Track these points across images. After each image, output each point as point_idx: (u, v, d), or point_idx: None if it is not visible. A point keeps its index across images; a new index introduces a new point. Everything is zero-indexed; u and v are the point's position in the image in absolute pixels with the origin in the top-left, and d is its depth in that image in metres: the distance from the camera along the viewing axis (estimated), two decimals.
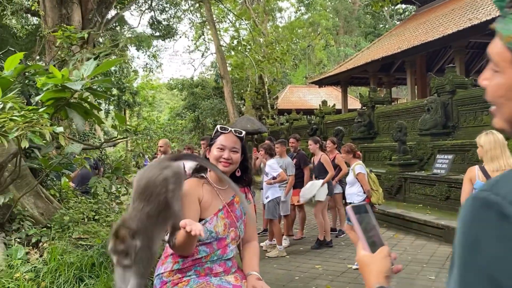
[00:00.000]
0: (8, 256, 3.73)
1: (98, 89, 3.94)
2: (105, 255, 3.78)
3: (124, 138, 4.08)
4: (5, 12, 15.98)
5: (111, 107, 29.51)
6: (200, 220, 2.16)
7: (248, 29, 28.38)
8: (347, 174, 6.72)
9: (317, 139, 7.64)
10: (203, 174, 2.33)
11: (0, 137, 2.91)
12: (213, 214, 2.23)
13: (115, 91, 27.81)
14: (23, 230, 4.27)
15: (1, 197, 4.12)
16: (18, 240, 4.10)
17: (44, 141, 4.18)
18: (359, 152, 6.51)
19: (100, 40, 18.59)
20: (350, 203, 6.24)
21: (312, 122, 17.88)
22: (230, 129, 2.34)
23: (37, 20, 19.05)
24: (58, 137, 3.35)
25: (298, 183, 7.55)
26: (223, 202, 2.30)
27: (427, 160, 10.45)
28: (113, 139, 4.47)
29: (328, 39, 36.05)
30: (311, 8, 37.50)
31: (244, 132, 2.38)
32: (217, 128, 2.37)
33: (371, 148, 13.15)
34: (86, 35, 4.99)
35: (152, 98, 36.57)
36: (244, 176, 2.42)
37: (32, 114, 3.33)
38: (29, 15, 19.46)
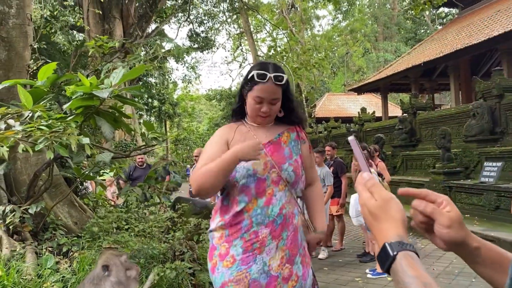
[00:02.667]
0: (38, 265, 3.73)
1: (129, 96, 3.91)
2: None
3: (153, 146, 4.01)
4: (52, 31, 16.68)
5: (152, 118, 30.12)
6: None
7: (285, 38, 28.31)
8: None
9: (364, 146, 7.10)
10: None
11: (26, 147, 2.89)
12: None
13: (156, 103, 28.41)
14: (55, 239, 4.28)
15: (33, 206, 4.15)
16: (50, 249, 4.10)
17: (71, 152, 4.19)
18: (370, 160, 6.28)
19: (141, 54, 19.04)
20: None
21: (351, 130, 17.46)
22: (268, 76, 1.93)
23: (82, 36, 19.76)
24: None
25: (336, 192, 7.30)
26: (260, 140, 2.00)
27: (473, 168, 9.89)
28: (142, 147, 4.43)
29: (367, 46, 35.42)
30: (349, 15, 37.03)
31: (285, 77, 2.00)
32: (253, 74, 1.97)
33: (413, 156, 12.64)
34: (117, 44, 5.04)
35: (191, 109, 37.11)
36: (290, 116, 2.12)
37: (59, 123, 3.32)
38: (74, 32, 20.24)
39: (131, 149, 5.05)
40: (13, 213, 4.08)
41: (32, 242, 4.13)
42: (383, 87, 21.48)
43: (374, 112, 18.65)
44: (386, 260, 0.72)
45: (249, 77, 2.00)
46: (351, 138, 0.97)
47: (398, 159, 13.07)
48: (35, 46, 11.12)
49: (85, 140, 3.18)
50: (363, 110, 18.15)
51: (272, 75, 1.94)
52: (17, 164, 4.81)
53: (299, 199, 2.18)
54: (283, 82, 1.98)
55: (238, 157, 1.83)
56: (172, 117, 29.11)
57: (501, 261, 0.81)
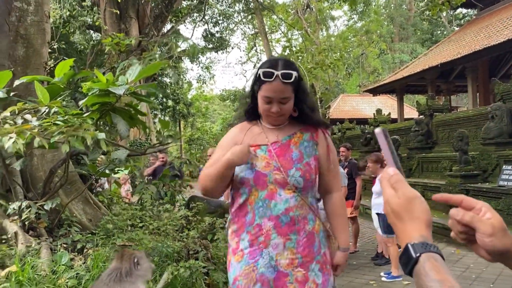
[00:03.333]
0: (53, 261, 3.73)
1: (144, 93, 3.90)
2: None
3: (168, 144, 3.99)
4: (71, 30, 16.89)
5: (167, 118, 30.25)
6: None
7: (300, 38, 28.22)
8: None
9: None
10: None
11: (42, 141, 2.89)
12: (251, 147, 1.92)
13: (170, 102, 28.55)
14: (70, 236, 4.29)
15: (49, 202, 4.17)
16: (64, 245, 4.11)
17: (87, 148, 4.19)
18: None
19: (157, 56, 19.14)
20: (377, 214, 5.98)
21: (366, 131, 17.30)
22: (275, 74, 1.83)
23: (98, 35, 19.96)
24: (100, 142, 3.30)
25: (350, 193, 7.21)
26: (268, 141, 1.93)
27: (491, 171, 9.70)
28: (157, 145, 4.42)
29: (383, 47, 35.09)
30: (365, 16, 36.74)
31: (294, 74, 1.87)
32: (258, 73, 1.89)
33: (429, 158, 12.46)
34: (133, 42, 5.04)
35: (205, 109, 37.21)
36: (305, 115, 1.99)
37: (75, 118, 3.31)
38: (92, 31, 20.46)
39: (146, 147, 5.05)
40: (29, 209, 4.10)
41: (47, 238, 4.15)
42: (399, 89, 21.24)
43: (389, 113, 18.46)
44: (408, 262, 0.68)
45: (257, 76, 1.93)
46: (378, 131, 0.89)
47: (413, 162, 12.90)
48: (55, 46, 11.26)
49: (101, 135, 3.17)
50: (379, 111, 17.98)
51: (279, 72, 1.84)
52: (34, 161, 4.84)
53: (320, 202, 2.11)
54: (292, 80, 1.86)
55: (230, 162, 1.83)
56: (186, 117, 29.21)
57: None
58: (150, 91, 4.06)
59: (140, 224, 4.54)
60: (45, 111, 3.43)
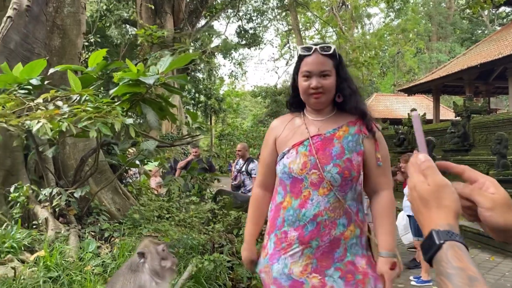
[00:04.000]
0: (80, 248, 3.78)
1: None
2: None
3: (196, 135, 3.97)
4: (107, 24, 17.25)
5: (199, 113, 30.55)
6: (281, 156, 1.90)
7: (334, 35, 27.88)
8: None
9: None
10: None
11: (70, 126, 2.91)
12: (291, 145, 1.82)
13: (202, 98, 28.79)
14: (98, 224, 4.34)
15: (78, 190, 4.23)
16: (92, 233, 4.16)
17: (118, 139, 4.23)
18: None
19: (191, 50, 19.30)
20: (408, 216, 5.85)
21: (400, 132, 16.91)
22: (314, 47, 1.78)
23: (134, 30, 20.29)
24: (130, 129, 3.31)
25: None
26: (309, 134, 1.81)
27: None
28: (185, 136, 4.40)
29: (420, 46, 34.21)
30: (402, 14, 35.89)
31: (333, 47, 1.80)
32: (298, 50, 1.85)
33: (465, 161, 12.04)
34: (166, 34, 5.05)
35: (236, 105, 37.33)
36: (348, 101, 1.83)
37: (105, 106, 3.33)
38: (127, 26, 20.82)
39: (174, 139, 5.06)
40: (60, 196, 4.17)
41: (76, 226, 4.21)
42: (435, 89, 20.65)
43: (424, 114, 17.99)
44: (430, 249, 0.65)
45: (297, 57, 1.87)
46: (415, 114, 0.87)
47: None
48: (91, 39, 11.50)
49: (129, 121, 3.17)
50: (413, 111, 17.51)
51: (317, 46, 1.80)
52: (66, 149, 4.93)
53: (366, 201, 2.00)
54: (331, 52, 1.79)
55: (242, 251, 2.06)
56: (217, 112, 29.42)
57: None
58: (181, 82, 4.05)
59: (167, 216, 4.55)
60: (76, 99, 3.47)
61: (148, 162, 5.39)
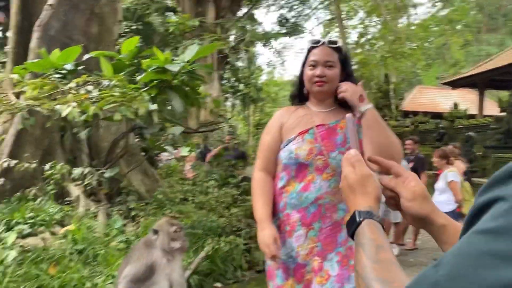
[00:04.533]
0: (107, 225, 4.02)
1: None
2: (191, 235, 3.85)
3: (219, 122, 4.10)
4: (148, 12, 17.63)
5: (237, 101, 30.76)
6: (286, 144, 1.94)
7: (378, 25, 27.21)
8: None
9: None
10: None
11: (96, 109, 3.10)
12: (297, 133, 1.91)
13: (241, 86, 28.93)
14: (126, 204, 4.58)
15: (109, 171, 4.47)
16: (120, 212, 4.40)
17: (150, 125, 4.42)
18: (452, 158, 5.75)
19: (232, 38, 19.43)
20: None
21: (440, 126, 16.44)
22: (322, 40, 1.93)
23: (176, 18, 20.64)
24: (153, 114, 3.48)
25: None
26: (314, 123, 1.92)
27: None
28: (209, 123, 4.55)
29: (468, 37, 32.81)
30: (449, 3, 34.48)
31: (340, 42, 1.95)
32: (307, 43, 1.98)
33: (507, 158, 11.58)
34: (197, 23, 5.17)
35: (275, 94, 37.26)
36: None
37: (132, 91, 3.51)
38: (169, 13, 21.18)
39: (199, 126, 5.23)
40: (91, 176, 4.43)
41: (105, 204, 4.47)
42: (481, 83, 19.83)
43: (467, 109, 17.36)
44: (352, 225, 0.77)
45: (306, 50, 1.98)
46: (349, 116, 1.01)
47: (489, 161, 12.07)
48: (133, 27, 11.82)
49: (153, 107, 3.33)
50: (455, 105, 16.97)
51: (325, 40, 1.93)
52: (99, 132, 5.20)
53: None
54: (337, 46, 1.93)
55: (258, 230, 1.89)
56: (256, 101, 29.50)
57: None
58: (207, 70, 4.17)
59: (191, 198, 4.74)
60: (106, 84, 3.67)
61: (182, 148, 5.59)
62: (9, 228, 3.63)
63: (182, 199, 4.76)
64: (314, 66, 1.90)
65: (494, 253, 0.42)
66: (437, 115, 22.91)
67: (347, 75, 1.95)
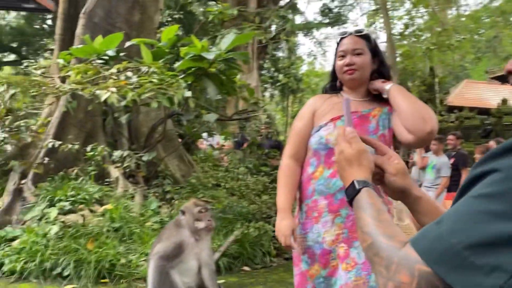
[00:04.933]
0: (143, 206, 4.19)
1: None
2: (221, 219, 3.96)
3: (252, 111, 4.17)
4: (191, 1, 17.83)
5: (276, 92, 30.73)
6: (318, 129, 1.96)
7: (425, 16, 26.34)
8: None
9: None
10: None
11: (134, 96, 3.23)
12: (329, 119, 1.93)
13: (281, 77, 28.82)
14: (162, 187, 4.75)
15: (146, 155, 4.64)
16: (156, 194, 4.57)
17: (187, 112, 4.55)
18: None
19: (273, 27, 19.39)
20: None
21: (486, 122, 15.81)
22: (349, 31, 1.97)
23: (217, 7, 20.77)
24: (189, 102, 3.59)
25: (453, 185, 6.67)
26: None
27: None
28: (243, 111, 4.62)
29: None
30: None
31: (367, 30, 1.97)
32: (336, 37, 2.03)
33: None
34: (236, 12, 5.24)
35: (315, 85, 36.91)
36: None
37: (170, 79, 3.63)
38: (212, 3, 21.35)
39: (233, 113, 5.31)
40: (130, 159, 4.61)
41: (142, 186, 4.65)
42: None
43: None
44: (352, 192, 0.86)
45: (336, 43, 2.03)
46: (346, 97, 1.16)
47: None
48: (176, 16, 12.02)
49: (187, 93, 3.43)
50: (504, 101, 16.26)
51: (353, 30, 1.96)
52: (140, 117, 5.38)
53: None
54: (364, 33, 1.94)
55: (277, 218, 1.92)
56: (295, 92, 29.33)
57: (436, 212, 0.93)
58: (242, 58, 4.24)
59: (223, 184, 4.85)
60: (145, 71, 3.80)
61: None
62: (51, 204, 3.87)
63: (215, 184, 4.88)
64: (343, 56, 1.93)
65: (489, 212, 0.54)
66: (484, 111, 22.03)
67: (379, 62, 1.98)
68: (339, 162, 0.95)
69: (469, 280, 0.53)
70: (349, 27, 2.04)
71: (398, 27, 30.24)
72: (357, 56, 1.91)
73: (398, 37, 26.54)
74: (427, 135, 1.75)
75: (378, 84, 1.88)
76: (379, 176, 0.99)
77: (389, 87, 1.84)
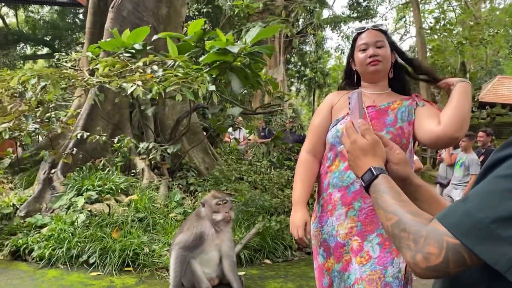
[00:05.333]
0: (168, 197, 4.26)
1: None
2: (243, 212, 3.99)
3: (276, 105, 4.16)
4: None
5: (302, 86, 30.57)
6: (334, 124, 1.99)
7: (457, 10, 25.64)
8: None
9: None
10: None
11: (160, 89, 3.28)
12: (346, 113, 1.92)
13: (307, 71, 28.60)
14: (186, 179, 4.82)
15: (171, 147, 4.71)
16: (180, 186, 4.64)
17: (212, 106, 4.58)
18: None
19: (301, 22, 19.26)
20: None
21: None
22: (367, 26, 2.00)
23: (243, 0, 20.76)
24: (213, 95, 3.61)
25: None
26: (365, 104, 1.92)
27: None
28: (267, 105, 4.62)
29: None
30: None
31: (384, 24, 2.00)
32: (353, 31, 2.06)
33: None
34: (261, 6, 5.23)
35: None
36: (401, 77, 2.01)
37: (194, 72, 3.66)
38: None
39: (257, 107, 5.32)
40: (156, 151, 4.69)
41: (167, 178, 4.72)
42: None
43: None
44: (369, 178, 0.93)
45: (352, 40, 2.04)
46: (359, 91, 1.13)
47: None
48: (203, 10, 12.08)
49: (211, 87, 3.45)
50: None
51: (370, 25, 1.97)
52: (166, 110, 5.46)
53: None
54: (382, 28, 1.97)
55: (292, 211, 1.97)
56: (322, 86, 29.08)
57: (435, 200, 1.01)
58: (267, 52, 4.24)
59: (246, 177, 4.88)
60: (170, 64, 3.85)
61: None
62: (79, 194, 3.98)
63: (238, 177, 4.91)
64: (365, 49, 1.93)
65: None
66: None
67: (399, 54, 1.99)
68: (352, 152, 1.01)
69: (495, 250, 0.60)
70: (378, 21, 1.99)
71: (428, 21, 29.57)
72: (379, 48, 1.92)
73: (429, 31, 25.92)
74: (452, 139, 1.77)
75: (453, 79, 1.91)
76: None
77: (458, 83, 1.86)
